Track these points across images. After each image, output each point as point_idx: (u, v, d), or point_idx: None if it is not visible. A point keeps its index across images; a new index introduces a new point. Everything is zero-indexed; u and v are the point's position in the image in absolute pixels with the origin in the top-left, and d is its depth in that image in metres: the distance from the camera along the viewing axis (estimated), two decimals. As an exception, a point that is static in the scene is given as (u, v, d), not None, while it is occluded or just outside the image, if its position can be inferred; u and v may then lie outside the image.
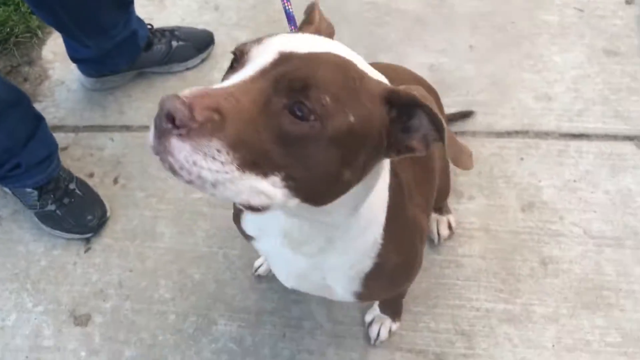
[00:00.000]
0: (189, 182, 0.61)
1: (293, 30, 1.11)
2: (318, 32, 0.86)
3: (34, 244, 1.79)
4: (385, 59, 2.03)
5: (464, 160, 0.73)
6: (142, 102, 2.10)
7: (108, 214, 1.79)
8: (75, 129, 2.05)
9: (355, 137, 0.68)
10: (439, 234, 1.72)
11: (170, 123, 0.58)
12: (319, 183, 0.70)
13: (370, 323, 1.59)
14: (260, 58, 0.66)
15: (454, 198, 1.80)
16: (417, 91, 0.72)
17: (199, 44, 2.11)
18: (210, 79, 2.13)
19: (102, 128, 2.05)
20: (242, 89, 0.63)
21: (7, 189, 1.80)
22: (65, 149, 1.98)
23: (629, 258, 1.68)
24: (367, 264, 0.99)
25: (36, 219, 1.78)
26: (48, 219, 1.75)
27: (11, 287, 1.72)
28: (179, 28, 2.12)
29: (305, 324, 1.63)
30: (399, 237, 1.01)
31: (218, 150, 0.60)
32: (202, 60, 2.15)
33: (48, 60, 2.19)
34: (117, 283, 1.71)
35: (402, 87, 0.73)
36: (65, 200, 1.74)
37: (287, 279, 1.10)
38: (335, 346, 1.59)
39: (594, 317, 1.59)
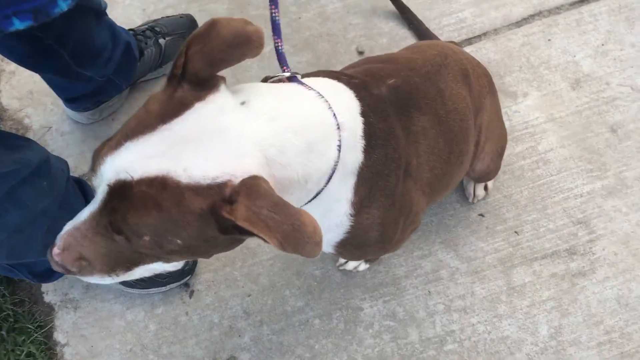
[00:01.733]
0: None
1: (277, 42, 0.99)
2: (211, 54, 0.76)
3: (130, 313, 1.59)
4: None
5: (308, 250, 0.71)
6: (146, 117, 1.84)
7: (196, 249, 1.61)
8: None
9: (190, 246, 0.75)
10: (474, 194, 1.69)
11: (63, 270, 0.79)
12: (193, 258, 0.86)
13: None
14: (99, 188, 0.75)
15: (512, 100, 1.82)
16: (243, 195, 0.70)
17: (185, 33, 1.84)
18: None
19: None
20: (92, 228, 0.76)
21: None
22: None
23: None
24: (335, 235, 1.04)
25: (121, 287, 1.57)
26: (138, 282, 1.55)
27: (135, 365, 1.55)
28: (156, 22, 1.82)
29: (442, 273, 1.63)
30: (376, 214, 1.03)
31: (101, 277, 0.81)
32: (190, 49, 1.89)
33: (14, 108, 1.83)
34: (243, 313, 1.59)
35: (226, 207, 0.71)
36: (149, 255, 1.54)
37: None
38: (479, 282, 1.62)
39: (679, 163, 1.73)
